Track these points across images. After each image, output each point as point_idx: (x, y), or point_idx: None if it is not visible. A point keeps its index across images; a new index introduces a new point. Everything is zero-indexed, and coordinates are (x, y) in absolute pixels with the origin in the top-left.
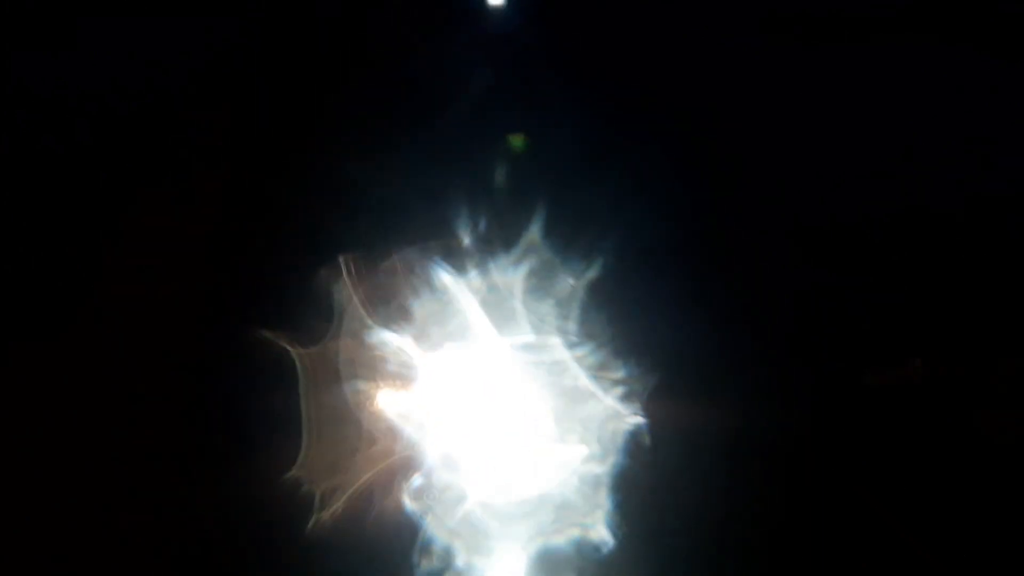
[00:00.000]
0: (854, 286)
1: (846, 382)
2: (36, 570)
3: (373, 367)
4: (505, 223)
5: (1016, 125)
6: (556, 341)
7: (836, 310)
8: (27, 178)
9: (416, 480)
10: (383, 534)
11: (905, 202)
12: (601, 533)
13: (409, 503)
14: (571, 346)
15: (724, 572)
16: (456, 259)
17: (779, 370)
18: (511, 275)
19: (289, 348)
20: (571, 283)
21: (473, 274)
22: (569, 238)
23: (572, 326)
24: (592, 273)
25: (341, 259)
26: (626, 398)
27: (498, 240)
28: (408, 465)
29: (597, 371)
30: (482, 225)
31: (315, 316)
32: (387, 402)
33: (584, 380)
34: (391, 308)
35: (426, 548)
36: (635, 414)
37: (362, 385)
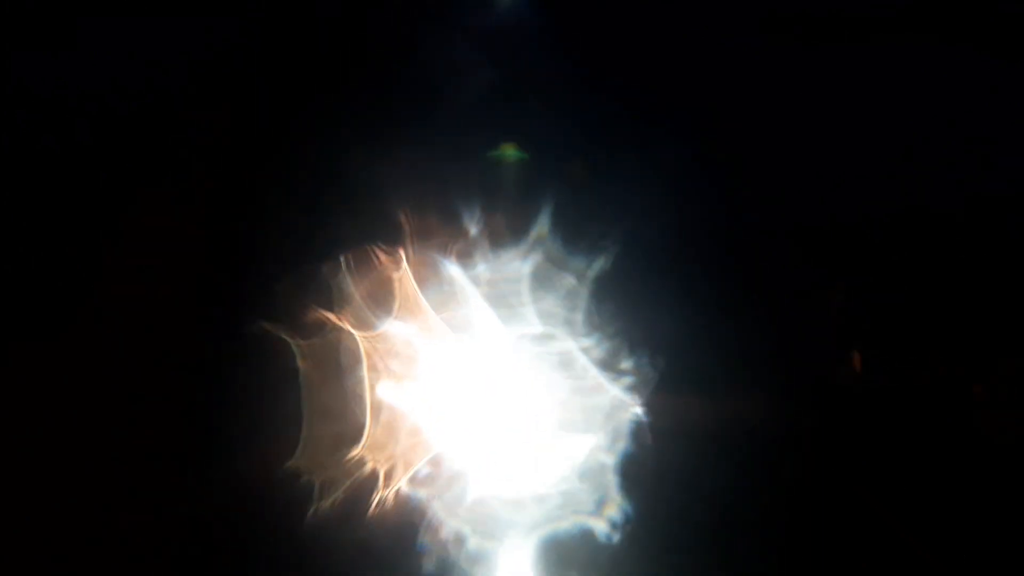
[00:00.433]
0: (854, 286)
1: (845, 382)
2: (36, 570)
3: (377, 358)
4: (512, 218)
5: (1016, 125)
6: (562, 333)
7: (836, 310)
8: (27, 178)
9: (422, 470)
10: (385, 523)
11: (905, 202)
12: (606, 522)
13: (414, 492)
14: (577, 338)
15: (726, 564)
16: (463, 253)
17: (780, 366)
18: (518, 268)
19: (289, 340)
20: (576, 278)
21: (481, 267)
22: (575, 233)
23: (578, 319)
24: (598, 268)
25: (343, 255)
26: (632, 389)
27: (506, 235)
28: (413, 455)
29: (603, 363)
30: (489, 220)
31: (316, 309)
32: (392, 393)
33: (591, 372)
34: (395, 302)
35: (431, 536)
36: (640, 405)
37: (365, 376)
